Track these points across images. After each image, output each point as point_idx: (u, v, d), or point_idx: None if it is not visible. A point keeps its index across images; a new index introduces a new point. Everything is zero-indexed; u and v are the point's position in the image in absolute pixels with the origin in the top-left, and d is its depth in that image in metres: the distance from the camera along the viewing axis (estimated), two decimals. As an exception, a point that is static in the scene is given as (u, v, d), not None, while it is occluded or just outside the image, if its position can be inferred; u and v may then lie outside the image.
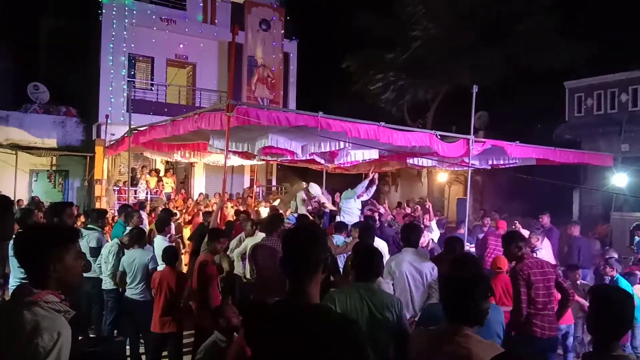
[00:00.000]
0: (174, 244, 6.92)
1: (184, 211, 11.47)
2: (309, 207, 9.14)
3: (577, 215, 14.50)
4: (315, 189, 9.23)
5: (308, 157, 8.92)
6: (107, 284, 5.84)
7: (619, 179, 10.43)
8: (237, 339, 3.29)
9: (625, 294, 2.28)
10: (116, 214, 11.00)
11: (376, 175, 8.66)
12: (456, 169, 12.12)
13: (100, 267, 5.87)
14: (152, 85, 17.05)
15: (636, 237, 9.27)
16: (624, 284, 5.80)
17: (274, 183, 19.60)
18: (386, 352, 3.07)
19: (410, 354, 2.59)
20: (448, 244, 5.18)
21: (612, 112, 14.38)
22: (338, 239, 6.48)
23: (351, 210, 8.31)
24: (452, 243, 5.11)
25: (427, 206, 9.41)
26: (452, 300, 2.36)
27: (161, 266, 5.45)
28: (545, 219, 8.98)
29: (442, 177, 17.85)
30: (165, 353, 5.18)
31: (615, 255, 6.87)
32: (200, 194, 15.09)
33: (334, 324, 1.79)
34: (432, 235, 7.76)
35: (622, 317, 2.22)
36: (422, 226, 7.55)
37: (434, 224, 8.39)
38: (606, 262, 6.34)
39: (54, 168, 16.65)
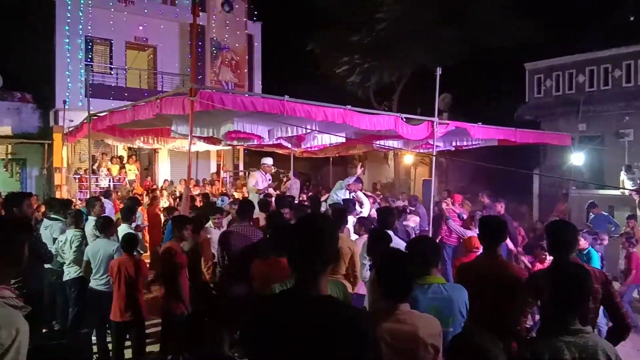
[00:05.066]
0: (139, 233, 6.81)
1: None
2: (265, 184, 9.06)
3: (538, 193, 14.99)
4: (267, 160, 9.17)
5: (275, 142, 8.84)
6: (68, 274, 5.69)
7: (577, 158, 10.82)
8: None
9: (587, 272, 2.36)
10: (79, 203, 10.71)
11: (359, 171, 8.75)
12: (421, 151, 12.27)
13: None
14: (111, 69, 16.46)
15: (591, 214, 9.65)
16: (595, 256, 6.12)
17: (241, 168, 19.40)
18: None
19: None
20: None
21: (570, 93, 14.82)
22: None
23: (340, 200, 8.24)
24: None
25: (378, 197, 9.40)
26: (392, 277, 2.35)
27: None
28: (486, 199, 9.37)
29: (408, 159, 18.08)
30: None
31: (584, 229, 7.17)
32: (165, 180, 14.82)
33: (347, 317, 1.77)
34: None
35: (585, 293, 2.30)
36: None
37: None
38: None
39: (10, 156, 15.96)
